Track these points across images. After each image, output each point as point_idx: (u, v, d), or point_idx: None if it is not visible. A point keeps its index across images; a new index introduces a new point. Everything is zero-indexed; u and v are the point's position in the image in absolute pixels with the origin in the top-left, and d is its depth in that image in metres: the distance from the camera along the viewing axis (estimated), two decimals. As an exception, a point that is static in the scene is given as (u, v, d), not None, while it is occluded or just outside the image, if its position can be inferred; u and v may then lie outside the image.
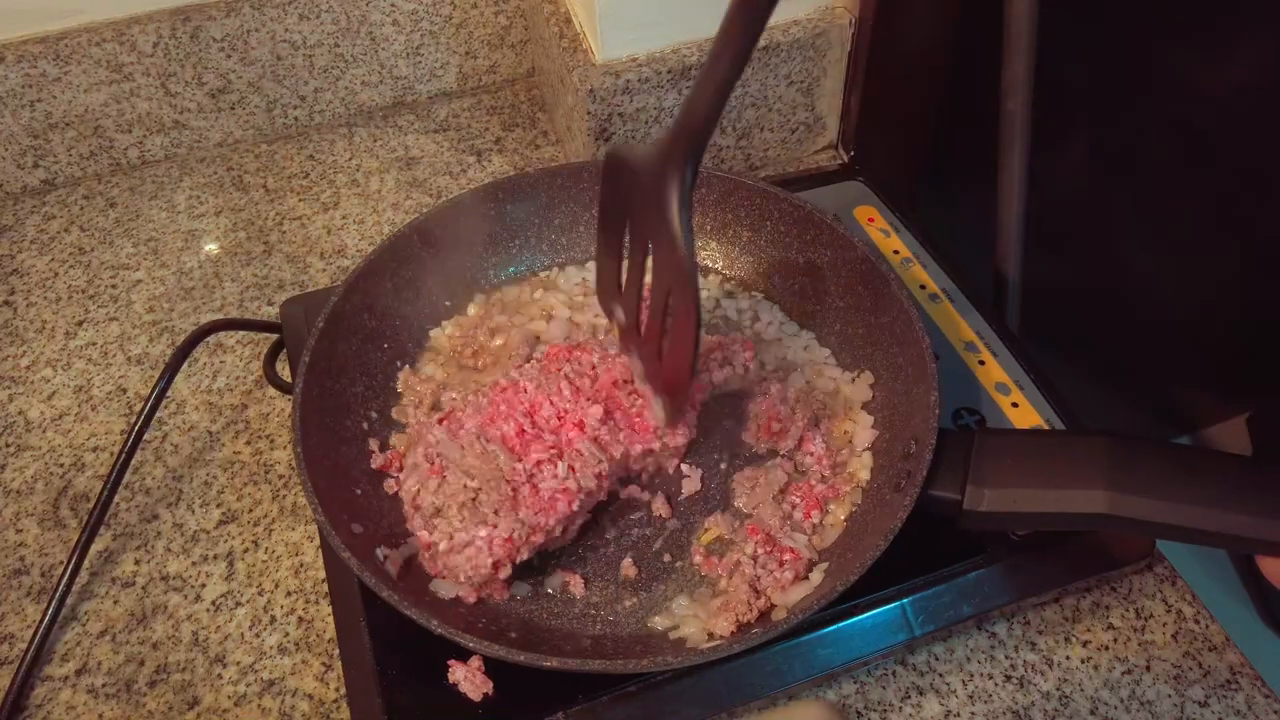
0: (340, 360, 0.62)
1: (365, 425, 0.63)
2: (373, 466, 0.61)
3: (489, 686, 0.51)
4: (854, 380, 0.65)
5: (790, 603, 0.54)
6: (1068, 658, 0.56)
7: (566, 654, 0.52)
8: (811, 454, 0.61)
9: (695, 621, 0.54)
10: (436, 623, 0.48)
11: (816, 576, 0.55)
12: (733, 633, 0.53)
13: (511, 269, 0.72)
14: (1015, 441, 0.55)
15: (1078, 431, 0.53)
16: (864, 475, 0.60)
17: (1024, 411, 0.63)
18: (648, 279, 0.53)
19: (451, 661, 0.52)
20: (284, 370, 0.70)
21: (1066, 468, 0.51)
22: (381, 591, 0.49)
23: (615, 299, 0.58)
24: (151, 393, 0.63)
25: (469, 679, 0.51)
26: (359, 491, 0.59)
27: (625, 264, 0.56)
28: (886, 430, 0.61)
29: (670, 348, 0.53)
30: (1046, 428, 0.62)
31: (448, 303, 0.70)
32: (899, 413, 0.60)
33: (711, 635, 0.53)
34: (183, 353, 0.66)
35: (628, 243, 0.55)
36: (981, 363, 0.66)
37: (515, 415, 0.57)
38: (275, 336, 0.70)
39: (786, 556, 0.56)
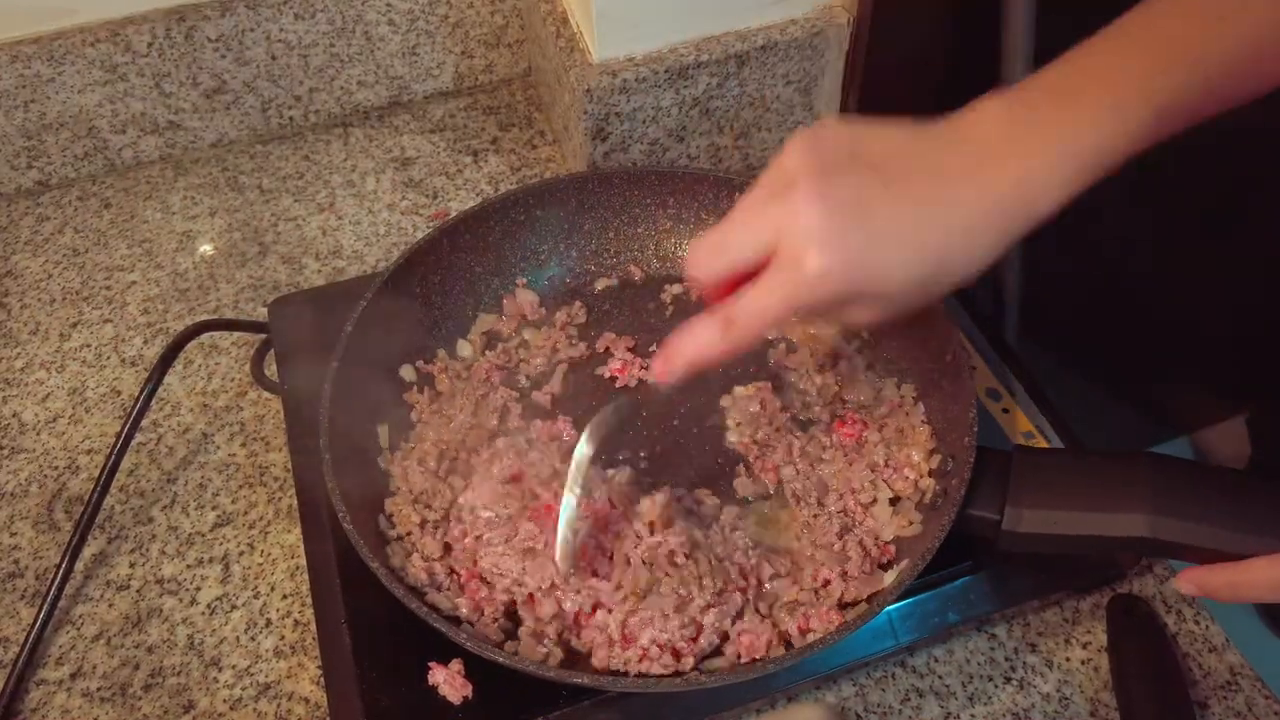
0: (357, 386, 0.61)
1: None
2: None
3: (468, 690, 0.51)
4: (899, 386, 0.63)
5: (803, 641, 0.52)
6: (1068, 659, 0.56)
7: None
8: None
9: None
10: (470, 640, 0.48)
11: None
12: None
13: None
14: (1053, 461, 0.53)
15: (1117, 452, 0.52)
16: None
17: (1014, 418, 0.63)
18: None
19: (432, 664, 0.51)
20: (272, 371, 0.69)
21: (1107, 489, 0.49)
22: (424, 614, 0.48)
23: None
24: (140, 394, 0.63)
25: (449, 682, 0.51)
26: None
27: None
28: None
29: None
30: (1049, 443, 0.62)
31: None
32: (934, 429, 0.59)
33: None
34: (171, 354, 0.65)
35: None
36: (972, 369, 0.65)
37: None
38: (264, 336, 0.69)
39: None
